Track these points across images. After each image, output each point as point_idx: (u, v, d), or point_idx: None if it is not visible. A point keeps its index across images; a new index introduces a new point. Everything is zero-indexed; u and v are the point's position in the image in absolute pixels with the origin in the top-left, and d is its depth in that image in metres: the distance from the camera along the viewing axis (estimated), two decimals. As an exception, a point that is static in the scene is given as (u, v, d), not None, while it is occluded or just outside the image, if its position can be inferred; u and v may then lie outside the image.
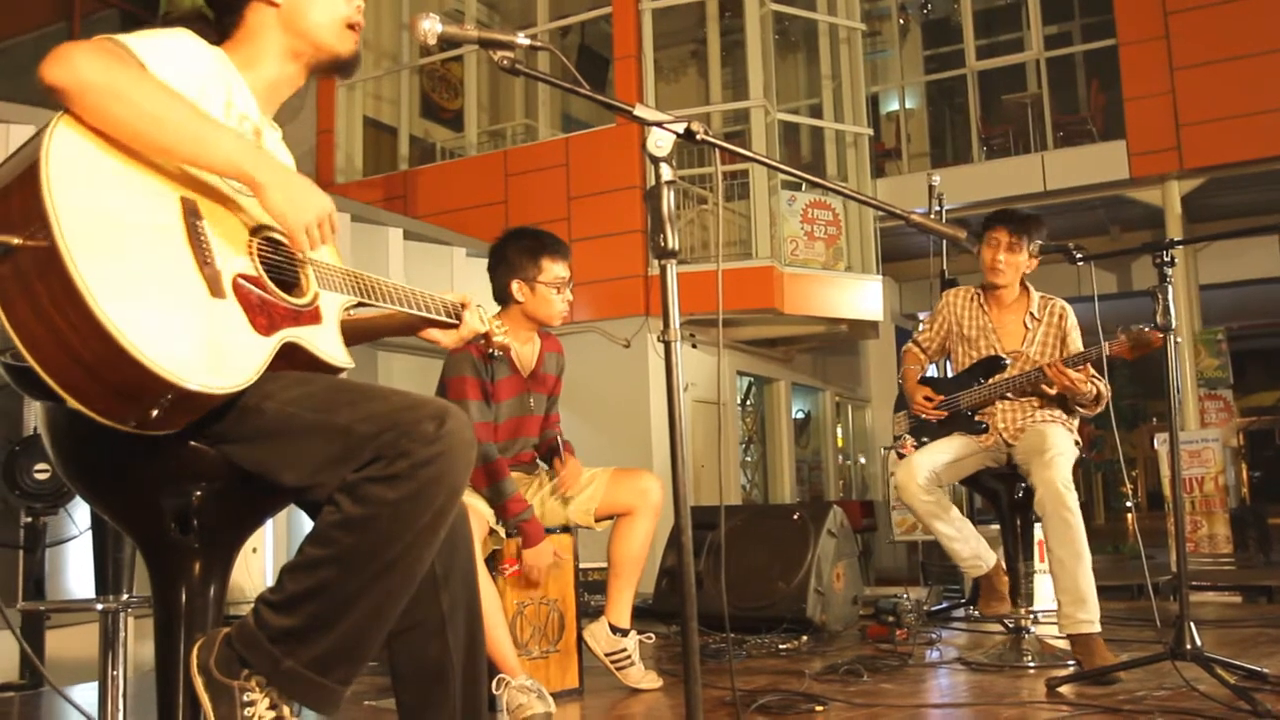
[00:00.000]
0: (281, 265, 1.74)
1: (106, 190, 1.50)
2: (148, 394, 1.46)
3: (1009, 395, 3.70)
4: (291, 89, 1.91)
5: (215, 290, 1.57)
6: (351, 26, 1.87)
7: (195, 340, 1.50)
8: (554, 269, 3.26)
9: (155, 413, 1.49)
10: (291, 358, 1.70)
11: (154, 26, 1.76)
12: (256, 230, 1.71)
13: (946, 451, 3.71)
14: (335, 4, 1.85)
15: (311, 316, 1.76)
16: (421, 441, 1.53)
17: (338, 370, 1.80)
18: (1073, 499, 3.36)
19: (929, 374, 3.97)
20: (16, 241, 1.41)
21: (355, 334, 2.05)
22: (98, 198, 1.47)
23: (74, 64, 1.49)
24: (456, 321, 2.05)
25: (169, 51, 1.67)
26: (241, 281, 1.63)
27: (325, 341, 1.77)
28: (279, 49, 1.84)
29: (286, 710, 1.62)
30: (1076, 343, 3.77)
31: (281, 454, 1.60)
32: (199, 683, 1.60)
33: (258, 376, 1.59)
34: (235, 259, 1.65)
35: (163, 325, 1.46)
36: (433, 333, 2.07)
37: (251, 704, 1.58)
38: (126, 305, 1.42)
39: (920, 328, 4.05)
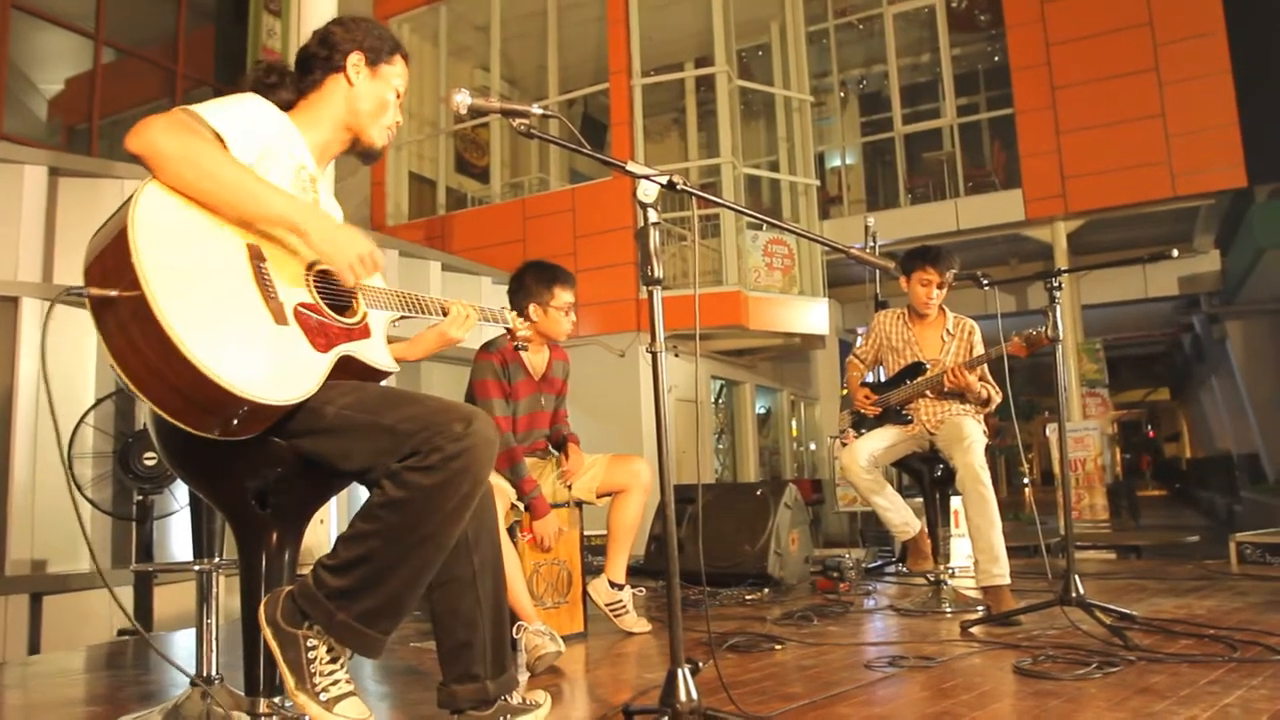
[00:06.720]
0: (338, 293, 1.73)
1: (186, 244, 1.48)
2: (226, 408, 1.45)
3: (928, 393, 3.70)
4: (339, 150, 1.90)
5: (279, 319, 1.56)
6: (389, 128, 1.90)
7: (264, 362, 1.49)
8: (563, 295, 3.25)
9: (235, 422, 1.49)
10: (348, 368, 1.69)
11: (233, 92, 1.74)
12: (311, 266, 1.69)
13: (881, 439, 3.70)
14: (386, 107, 1.88)
15: (362, 332, 1.75)
16: (451, 439, 1.53)
17: (385, 375, 1.79)
18: (987, 477, 3.35)
19: (868, 379, 3.97)
20: (114, 293, 1.41)
21: (422, 350, 2.14)
22: (177, 252, 1.45)
23: (150, 136, 1.48)
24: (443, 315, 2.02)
25: (236, 114, 1.64)
26: (301, 309, 1.62)
27: (375, 352, 1.77)
28: (336, 118, 1.84)
29: (344, 654, 1.61)
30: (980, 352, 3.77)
31: (340, 447, 1.60)
32: (267, 632, 1.60)
33: (319, 387, 1.58)
34: (295, 291, 1.63)
35: (237, 352, 1.45)
36: (448, 335, 2.04)
37: (314, 648, 1.58)
38: (205, 337, 1.41)
39: (858, 343, 4.05)
